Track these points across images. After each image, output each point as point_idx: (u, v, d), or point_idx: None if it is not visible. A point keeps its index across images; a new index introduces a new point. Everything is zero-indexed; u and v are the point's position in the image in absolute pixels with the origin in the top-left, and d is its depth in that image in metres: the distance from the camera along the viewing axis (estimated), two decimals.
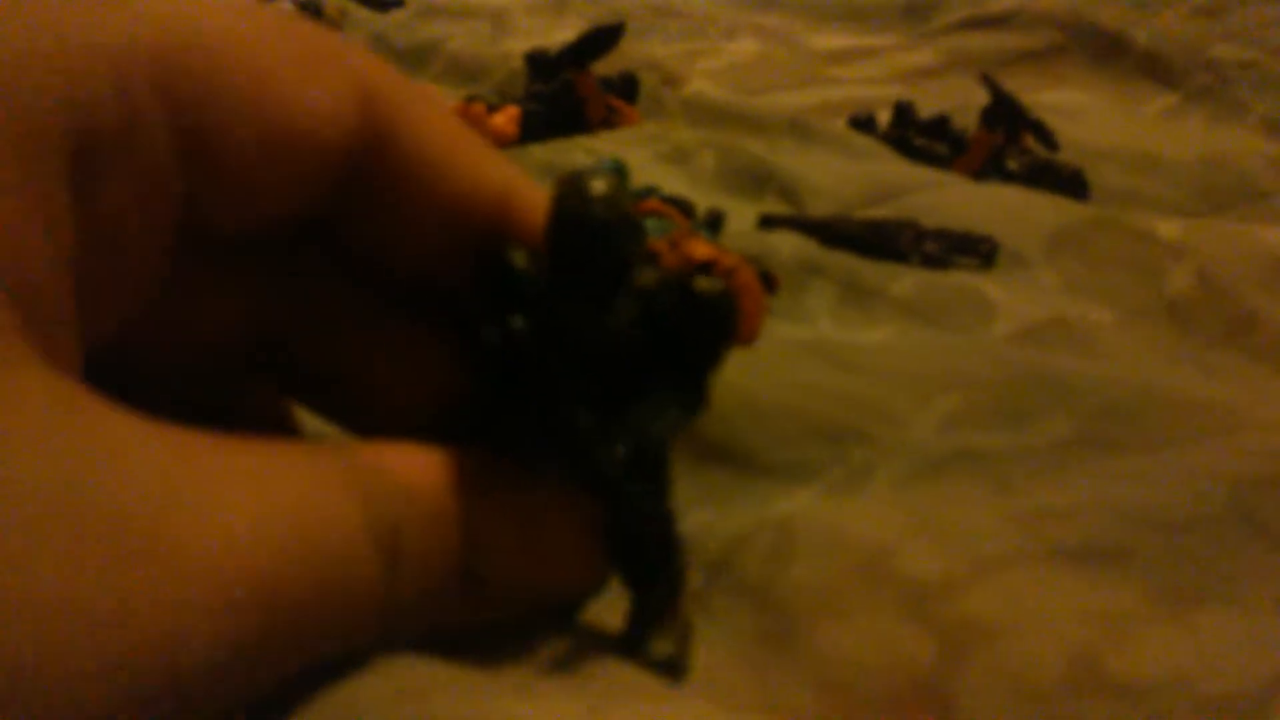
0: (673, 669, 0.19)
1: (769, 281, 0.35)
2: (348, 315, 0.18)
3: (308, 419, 0.20)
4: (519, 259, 0.17)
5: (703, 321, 0.18)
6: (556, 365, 0.17)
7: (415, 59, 0.59)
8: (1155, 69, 0.64)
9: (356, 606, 0.14)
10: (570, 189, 0.17)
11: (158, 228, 0.14)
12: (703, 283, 0.18)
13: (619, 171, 0.41)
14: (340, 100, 0.15)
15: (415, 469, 0.16)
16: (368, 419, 0.19)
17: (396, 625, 0.15)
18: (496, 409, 0.18)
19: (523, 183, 0.18)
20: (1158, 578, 0.22)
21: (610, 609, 0.20)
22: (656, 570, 0.19)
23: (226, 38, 0.14)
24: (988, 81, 0.46)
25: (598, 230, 0.16)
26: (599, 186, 0.17)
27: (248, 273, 0.17)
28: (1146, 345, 0.33)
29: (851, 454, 0.27)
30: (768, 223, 0.40)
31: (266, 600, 0.12)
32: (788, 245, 0.37)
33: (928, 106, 0.56)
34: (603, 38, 0.46)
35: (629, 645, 0.19)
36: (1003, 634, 0.21)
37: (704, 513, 0.25)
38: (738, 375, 0.26)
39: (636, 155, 0.44)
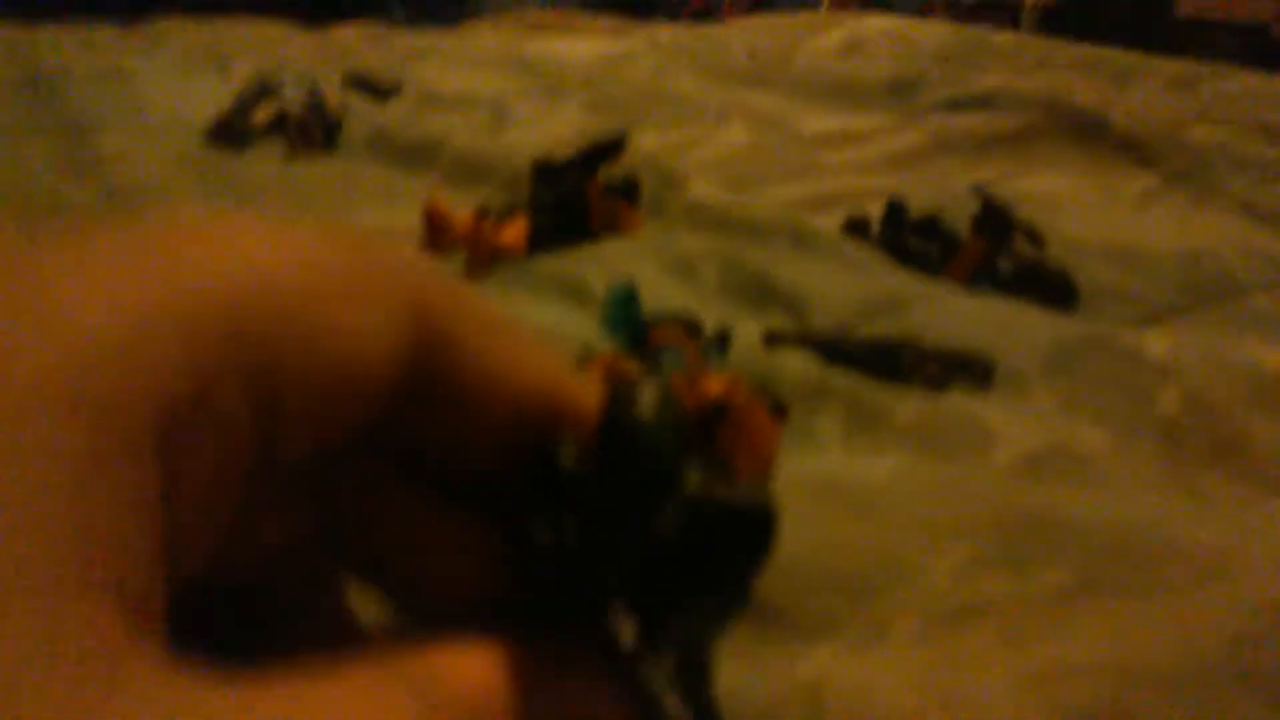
0: None
1: (779, 411, 0.37)
2: (401, 510, 0.19)
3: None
4: (568, 459, 0.18)
5: (745, 532, 0.19)
6: (601, 570, 0.18)
7: (420, 156, 0.60)
8: (1133, 150, 0.66)
9: None
10: (620, 403, 0.17)
11: (233, 476, 0.15)
12: (746, 495, 0.19)
13: (632, 295, 0.42)
14: (395, 324, 0.16)
15: (471, 673, 0.16)
16: (421, 601, 0.20)
17: None
18: (540, 602, 0.20)
19: (570, 377, 0.18)
20: None
21: None
22: None
23: (290, 285, 0.15)
24: (978, 190, 0.48)
25: (646, 445, 0.17)
26: (648, 401, 0.18)
27: (302, 485, 0.18)
28: (1140, 470, 0.35)
29: (872, 607, 0.28)
30: (772, 340, 0.41)
31: None
32: (794, 365, 0.39)
33: (917, 191, 0.58)
34: (607, 149, 0.47)
35: None
36: None
37: (737, 670, 0.27)
38: None
39: (643, 268, 0.45)
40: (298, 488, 0.18)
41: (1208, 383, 0.38)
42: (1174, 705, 0.25)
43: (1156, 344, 0.40)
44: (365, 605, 0.21)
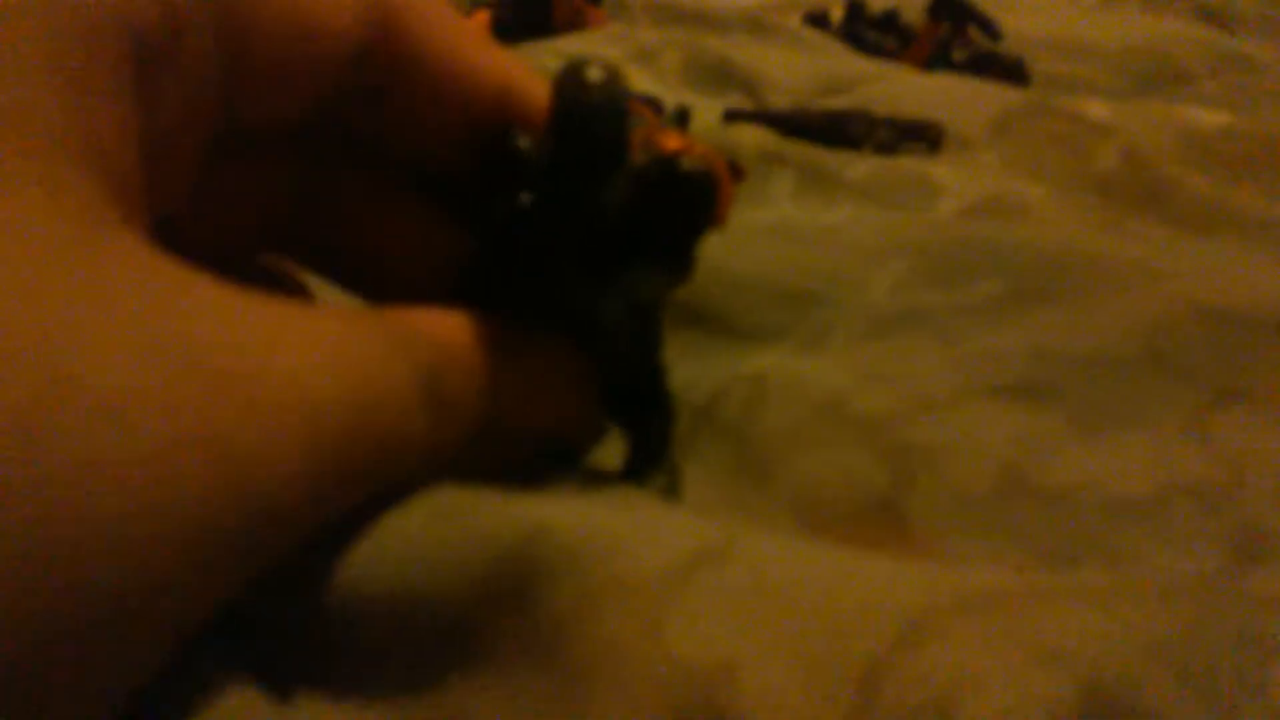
0: (668, 495, 0.23)
1: (736, 171, 0.38)
2: (363, 195, 0.20)
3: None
4: (522, 142, 0.19)
5: (687, 197, 0.20)
6: (558, 236, 0.19)
7: None
8: None
9: (408, 444, 0.16)
10: (571, 77, 0.19)
11: (202, 123, 0.16)
12: (687, 163, 0.20)
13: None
14: (355, 3, 0.17)
15: (444, 327, 0.18)
16: (382, 288, 0.21)
17: (436, 463, 0.17)
18: (500, 277, 0.21)
19: (522, 73, 0.19)
20: (1076, 407, 0.26)
21: (609, 455, 0.23)
22: (649, 415, 0.22)
23: None
24: None
25: (596, 114, 0.18)
26: (596, 74, 0.19)
27: (271, 160, 0.19)
28: (1075, 215, 0.37)
29: (814, 316, 0.31)
30: (731, 116, 0.43)
31: (340, 437, 0.14)
32: (751, 137, 0.40)
33: (878, 2, 0.59)
34: None
35: (629, 479, 0.22)
36: (943, 456, 0.25)
37: (687, 369, 0.29)
38: (712, 251, 0.29)
39: (605, 56, 0.46)
40: (261, 163, 0.19)
41: (1144, 139, 0.40)
42: (1091, 381, 0.27)
43: (1098, 109, 0.42)
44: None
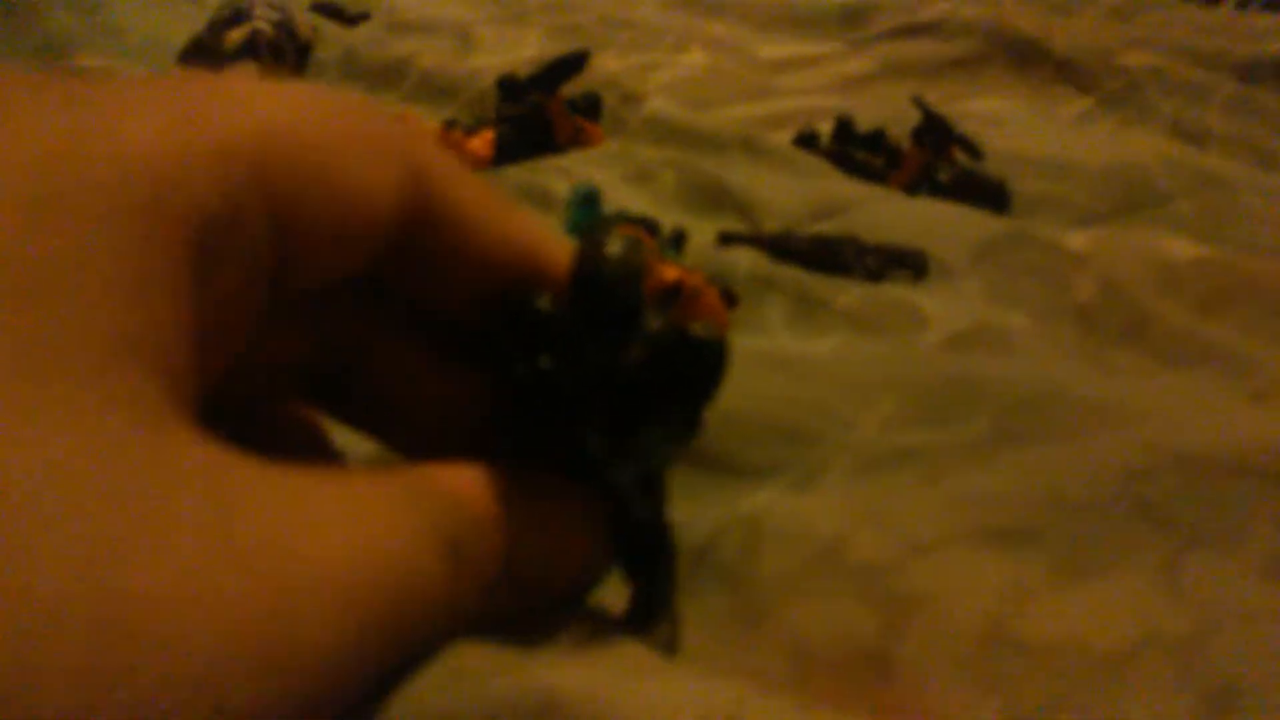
0: (668, 647, 0.23)
1: (729, 298, 0.40)
2: (386, 348, 0.21)
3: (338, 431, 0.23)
4: (545, 304, 0.20)
5: (699, 363, 0.21)
6: (575, 397, 0.20)
7: (387, 77, 0.63)
8: (1071, 75, 0.69)
9: (430, 609, 0.16)
10: (590, 251, 0.20)
11: (254, 294, 0.17)
12: (700, 330, 0.21)
13: (593, 197, 0.45)
14: (395, 179, 0.18)
15: (464, 485, 0.18)
16: (401, 436, 0.22)
17: (456, 621, 0.18)
18: (518, 432, 0.22)
19: (545, 237, 0.21)
20: (1059, 554, 0.27)
21: (611, 593, 0.24)
22: (654, 567, 0.23)
23: (308, 132, 0.17)
24: (918, 102, 0.51)
25: (613, 286, 0.19)
26: (614, 249, 0.20)
27: (309, 317, 0.20)
28: (1055, 346, 0.38)
29: (808, 454, 0.32)
30: (726, 240, 0.44)
31: (365, 610, 0.15)
32: (744, 261, 0.42)
33: (866, 113, 0.61)
34: (569, 65, 0.50)
35: (632, 627, 0.23)
36: (932, 606, 0.26)
37: (684, 509, 0.29)
38: None
39: (604, 176, 0.48)
40: (299, 320, 0.20)
41: (1122, 270, 0.41)
42: (1072, 526, 0.28)
43: (1076, 238, 0.43)
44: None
